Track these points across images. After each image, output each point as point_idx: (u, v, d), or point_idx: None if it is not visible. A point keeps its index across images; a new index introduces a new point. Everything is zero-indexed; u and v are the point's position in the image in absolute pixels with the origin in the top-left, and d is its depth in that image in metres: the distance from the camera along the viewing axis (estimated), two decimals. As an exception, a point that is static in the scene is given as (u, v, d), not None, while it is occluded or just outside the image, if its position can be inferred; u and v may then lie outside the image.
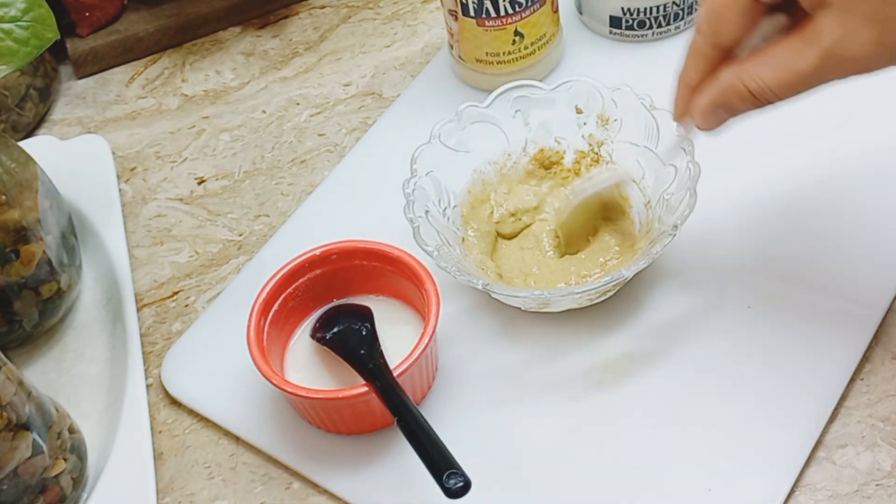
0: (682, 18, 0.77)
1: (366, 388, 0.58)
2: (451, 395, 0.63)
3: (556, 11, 0.76)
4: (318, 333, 0.64)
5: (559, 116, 0.68)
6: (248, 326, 0.61)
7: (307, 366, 0.63)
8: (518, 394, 0.62)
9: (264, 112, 0.82)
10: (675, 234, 0.59)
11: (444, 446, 0.54)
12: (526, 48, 0.75)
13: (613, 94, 0.67)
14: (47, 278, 0.66)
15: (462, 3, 0.73)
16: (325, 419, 0.61)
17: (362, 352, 0.60)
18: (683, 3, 0.76)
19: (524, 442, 0.60)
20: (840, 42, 0.48)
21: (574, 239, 0.66)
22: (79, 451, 0.61)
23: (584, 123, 0.68)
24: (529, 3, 0.73)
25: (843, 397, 0.60)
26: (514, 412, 0.62)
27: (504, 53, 0.75)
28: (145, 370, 0.67)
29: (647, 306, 0.65)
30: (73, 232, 0.71)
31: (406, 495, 0.59)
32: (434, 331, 0.59)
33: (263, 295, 0.62)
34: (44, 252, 0.65)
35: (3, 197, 0.63)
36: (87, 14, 0.86)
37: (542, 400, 0.62)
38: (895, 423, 0.59)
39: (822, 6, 0.48)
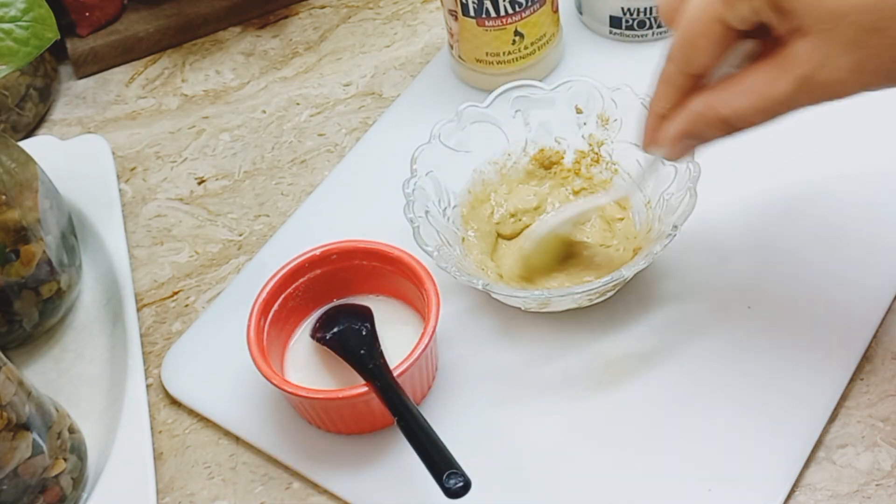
0: (682, 18, 0.77)
1: (366, 388, 0.58)
2: (451, 395, 0.63)
3: (556, 11, 0.76)
4: (318, 333, 0.64)
5: (559, 116, 0.68)
6: (248, 326, 0.61)
7: (307, 366, 0.63)
8: (518, 394, 0.62)
9: (264, 112, 0.82)
10: (675, 234, 0.59)
11: (444, 446, 0.54)
12: (526, 48, 0.75)
13: (613, 94, 0.67)
14: (47, 278, 0.66)
15: (462, 3, 0.73)
16: (325, 419, 0.61)
17: (362, 352, 0.60)
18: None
19: (524, 442, 0.60)
20: (817, 68, 0.48)
21: (537, 273, 0.66)
22: (79, 451, 0.61)
23: (584, 123, 0.68)
24: (529, 3, 0.73)
25: (843, 397, 0.60)
26: (514, 412, 0.62)
27: (504, 53, 0.75)
28: (145, 370, 0.67)
29: (647, 306, 0.65)
30: (73, 232, 0.71)
31: (406, 495, 0.59)
32: (434, 331, 0.59)
33: (263, 295, 0.62)
34: (44, 252, 0.65)
35: (3, 197, 0.63)
36: (87, 14, 0.86)
37: (542, 400, 0.62)
38: (895, 423, 0.59)
39: (799, 33, 0.48)
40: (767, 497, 0.56)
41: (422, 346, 0.59)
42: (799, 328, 0.62)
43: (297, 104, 0.82)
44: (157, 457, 0.63)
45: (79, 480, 0.61)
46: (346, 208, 0.73)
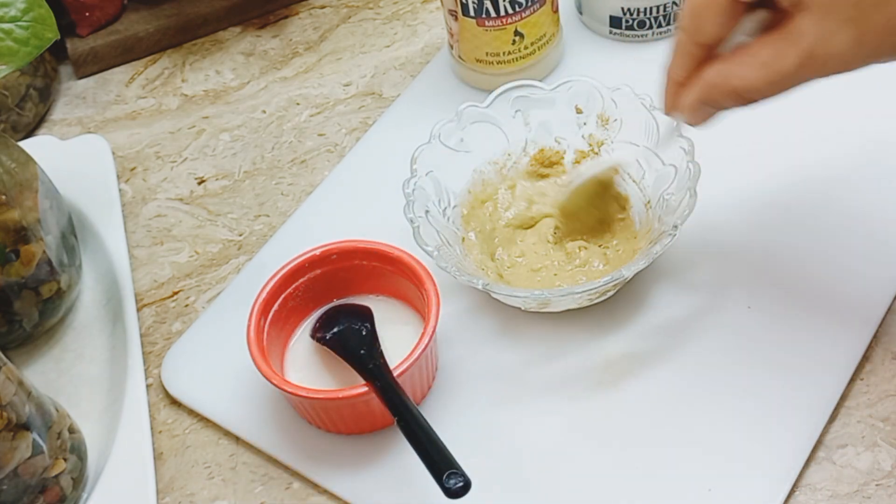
0: (682, 18, 0.77)
1: (366, 388, 0.58)
2: (451, 395, 0.63)
3: (556, 11, 0.76)
4: (318, 333, 0.64)
5: (559, 116, 0.68)
6: (248, 326, 0.61)
7: (307, 366, 0.63)
8: (518, 394, 0.62)
9: (264, 112, 0.82)
10: (675, 234, 0.59)
11: (444, 446, 0.54)
12: (526, 48, 0.75)
13: (613, 94, 0.67)
14: (47, 278, 0.66)
15: (462, 3, 0.73)
16: (325, 419, 0.61)
17: (362, 352, 0.60)
18: (683, 4, 0.76)
19: (524, 442, 0.60)
20: (819, 43, 0.49)
21: (574, 223, 0.66)
22: (79, 451, 0.61)
23: (584, 123, 0.68)
24: (529, 3, 0.73)
25: (843, 397, 0.60)
26: (514, 412, 0.62)
27: (504, 53, 0.75)
28: (145, 370, 0.67)
29: (647, 306, 0.65)
30: (73, 232, 0.71)
31: (406, 495, 0.59)
32: (434, 331, 0.59)
33: (263, 295, 0.62)
34: (44, 252, 0.65)
35: (3, 197, 0.63)
36: (87, 14, 0.86)
37: (542, 400, 0.62)
38: (895, 423, 0.59)
39: (801, 8, 0.49)
40: (767, 497, 0.56)
41: (422, 346, 0.59)
42: (799, 328, 0.62)
43: (297, 104, 0.82)
44: (157, 457, 0.63)
45: (79, 480, 0.61)
46: (346, 208, 0.73)
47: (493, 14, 0.73)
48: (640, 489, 0.58)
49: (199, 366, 0.66)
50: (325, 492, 0.61)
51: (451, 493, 0.52)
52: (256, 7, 0.89)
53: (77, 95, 0.86)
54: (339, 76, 0.83)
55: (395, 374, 0.58)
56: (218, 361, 0.66)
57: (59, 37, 0.64)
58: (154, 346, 0.69)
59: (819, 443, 0.59)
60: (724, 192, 0.67)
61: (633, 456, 0.59)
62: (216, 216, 0.76)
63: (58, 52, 0.87)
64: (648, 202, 0.65)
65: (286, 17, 0.89)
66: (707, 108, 0.55)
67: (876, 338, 0.62)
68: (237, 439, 0.64)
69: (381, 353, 0.60)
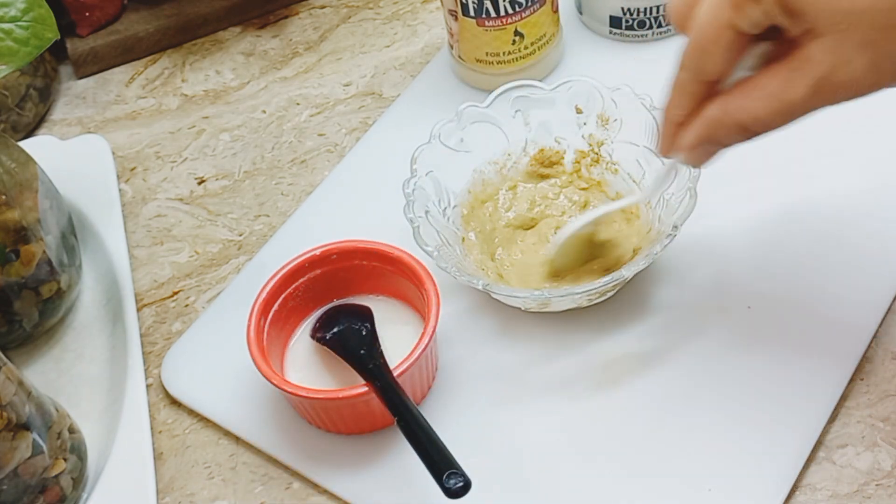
0: (682, 18, 0.77)
1: (366, 388, 0.58)
2: (451, 395, 0.63)
3: (556, 11, 0.76)
4: (318, 333, 0.64)
5: (559, 116, 0.68)
6: (248, 326, 0.61)
7: (307, 366, 0.63)
8: (518, 394, 0.62)
9: (264, 112, 0.82)
10: (675, 234, 0.59)
11: (444, 446, 0.54)
12: (526, 48, 0.75)
13: (613, 94, 0.67)
14: (47, 278, 0.66)
15: (462, 3, 0.73)
16: (325, 419, 0.61)
17: (362, 352, 0.61)
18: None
19: (524, 442, 0.60)
20: (833, 70, 0.47)
21: (562, 273, 0.66)
22: (79, 451, 0.61)
23: (584, 123, 0.68)
24: (529, 3, 0.73)
25: (843, 397, 0.60)
26: (514, 412, 0.62)
27: (504, 53, 0.75)
28: (145, 370, 0.67)
29: (647, 306, 0.65)
30: (73, 232, 0.71)
31: (406, 495, 0.59)
32: (434, 331, 0.59)
33: (263, 295, 0.62)
34: (44, 252, 0.65)
35: (3, 197, 0.63)
36: (87, 14, 0.86)
37: (542, 400, 0.62)
38: (895, 423, 0.59)
39: (812, 34, 0.47)
40: (767, 497, 0.56)
41: (422, 346, 0.59)
42: (799, 328, 0.62)
43: (297, 104, 0.82)
44: (157, 457, 0.63)
45: (79, 480, 0.61)
46: (346, 208, 0.73)
47: (493, 14, 0.73)
48: (640, 489, 0.58)
49: (199, 366, 0.66)
50: (325, 492, 0.61)
51: (451, 493, 0.52)
52: (256, 7, 0.89)
53: (77, 95, 0.86)
54: (339, 76, 0.83)
55: (395, 374, 0.58)
56: (218, 361, 0.66)
57: (59, 37, 0.64)
58: (154, 346, 0.69)
59: (819, 443, 0.59)
60: (724, 193, 0.67)
61: (632, 456, 0.59)
62: (216, 216, 0.76)
63: (58, 52, 0.87)
64: (648, 202, 0.65)
65: (286, 17, 0.89)
66: (709, 147, 0.54)
67: (876, 338, 0.62)
68: (237, 439, 0.64)
69: (381, 353, 0.60)
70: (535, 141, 0.69)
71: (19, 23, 0.63)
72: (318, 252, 0.64)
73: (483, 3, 0.72)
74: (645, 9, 0.76)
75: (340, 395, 0.58)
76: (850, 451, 0.58)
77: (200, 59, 0.87)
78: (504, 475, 0.59)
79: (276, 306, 0.63)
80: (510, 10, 0.73)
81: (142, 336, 0.69)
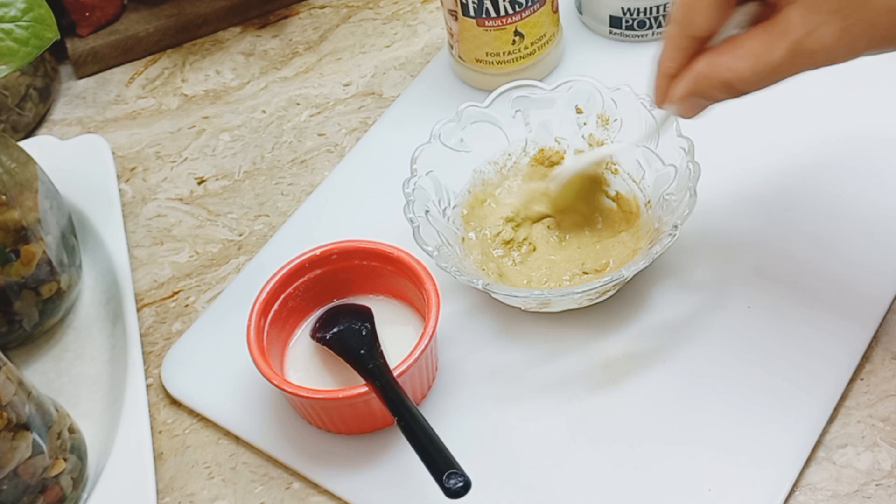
0: (682, 18, 0.77)
1: (366, 388, 0.58)
2: (451, 395, 0.63)
3: (556, 11, 0.76)
4: (318, 333, 0.64)
5: (559, 116, 0.68)
6: (248, 326, 0.61)
7: (307, 366, 0.63)
8: (518, 394, 0.62)
9: (264, 112, 0.82)
10: (675, 234, 0.59)
11: (444, 446, 0.54)
12: (526, 48, 0.75)
13: (613, 94, 0.67)
14: (47, 278, 0.66)
15: (462, 3, 0.73)
16: (325, 419, 0.61)
17: (362, 352, 0.60)
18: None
19: (524, 442, 0.60)
20: (807, 35, 0.49)
21: (570, 217, 0.67)
22: (79, 451, 0.61)
23: (584, 123, 0.68)
24: (529, 3, 0.73)
25: (843, 397, 0.60)
26: (514, 412, 0.62)
27: (504, 53, 0.75)
28: (145, 370, 0.67)
29: (647, 306, 0.65)
30: (73, 232, 0.71)
31: (406, 495, 0.59)
32: (434, 331, 0.59)
33: (263, 295, 0.62)
34: (44, 252, 0.65)
35: (3, 197, 0.63)
36: (87, 14, 0.86)
37: (542, 400, 0.62)
38: (895, 423, 0.59)
39: (788, 0, 0.49)
40: (767, 497, 0.56)
41: (422, 346, 0.59)
42: (799, 328, 0.62)
43: (297, 104, 0.82)
44: (157, 457, 0.63)
45: (79, 480, 0.61)
46: (346, 208, 0.73)
47: (493, 14, 0.73)
48: (640, 489, 0.58)
49: (199, 366, 0.66)
50: (325, 492, 0.61)
51: (451, 493, 0.52)
52: (256, 7, 0.89)
53: (77, 95, 0.86)
54: (339, 76, 0.83)
55: (395, 374, 0.58)
56: (218, 361, 0.66)
57: (59, 37, 0.64)
58: (154, 346, 0.69)
59: (819, 443, 0.59)
60: (724, 192, 0.67)
61: (632, 456, 0.59)
62: (216, 216, 0.76)
63: (58, 52, 0.87)
64: (648, 202, 0.65)
65: (286, 17, 0.89)
66: (698, 100, 0.55)
67: (876, 338, 0.62)
68: (237, 439, 0.64)
69: (381, 353, 0.60)
70: (535, 141, 0.69)
71: (19, 23, 0.63)
72: (318, 252, 0.64)
73: (483, 3, 0.72)
74: (645, 9, 0.76)
75: (340, 395, 0.58)
76: (850, 451, 0.58)
77: (200, 59, 0.87)
78: (504, 475, 0.59)
79: (276, 306, 0.63)
80: (510, 10, 0.73)
81: (142, 336, 0.69)
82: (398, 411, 0.56)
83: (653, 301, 0.65)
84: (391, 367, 0.58)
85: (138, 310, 0.70)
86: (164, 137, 0.82)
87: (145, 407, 0.64)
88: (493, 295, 0.63)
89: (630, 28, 0.78)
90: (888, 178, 0.68)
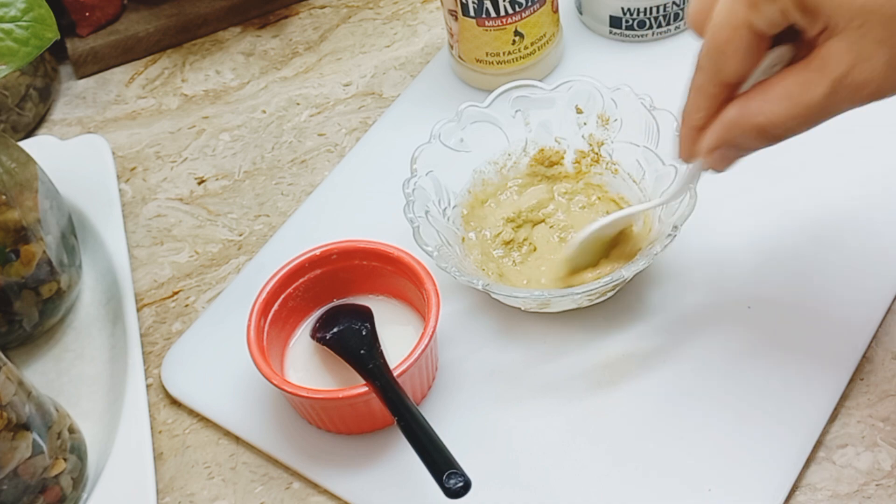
0: (682, 18, 0.77)
1: (366, 388, 0.58)
2: (451, 395, 0.63)
3: (556, 11, 0.76)
4: (318, 333, 0.64)
5: (559, 116, 0.68)
6: (248, 326, 0.61)
7: (307, 366, 0.63)
8: (518, 394, 0.62)
9: (264, 112, 0.82)
10: (675, 234, 0.59)
11: (444, 446, 0.54)
12: (526, 48, 0.75)
13: (613, 94, 0.67)
14: (47, 278, 0.66)
15: (462, 3, 0.73)
16: (325, 419, 0.61)
17: (362, 352, 0.60)
18: (683, 3, 0.76)
19: (524, 442, 0.60)
20: (851, 69, 0.46)
21: (579, 271, 0.65)
22: (79, 451, 0.61)
23: (585, 123, 0.68)
24: (529, 3, 0.73)
25: (843, 397, 0.60)
26: (514, 412, 0.62)
27: (504, 53, 0.75)
28: (145, 370, 0.67)
29: (647, 306, 0.65)
30: (73, 232, 0.71)
31: (406, 495, 0.59)
32: (434, 331, 0.59)
33: (263, 295, 0.62)
34: (44, 252, 0.65)
35: (3, 197, 0.63)
36: (87, 14, 0.86)
37: (543, 400, 0.62)
38: (895, 423, 0.59)
39: (829, 34, 0.46)
40: (767, 497, 0.56)
41: (422, 346, 0.59)
42: (799, 328, 0.62)
43: (297, 104, 0.82)
44: (157, 457, 0.63)
45: (79, 480, 0.61)
46: (346, 208, 0.73)
47: (493, 14, 0.73)
48: (639, 489, 0.58)
49: (199, 366, 0.66)
50: (325, 492, 0.61)
51: (451, 493, 0.52)
52: (256, 7, 0.89)
53: (77, 95, 0.86)
54: (339, 76, 0.83)
55: (395, 374, 0.58)
56: (218, 361, 0.66)
57: (59, 37, 0.64)
58: (154, 346, 0.69)
59: (819, 443, 0.59)
60: (724, 193, 0.67)
61: (632, 456, 0.59)
62: (216, 216, 0.76)
63: (58, 52, 0.87)
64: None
65: (286, 17, 0.89)
66: (729, 151, 0.51)
67: (876, 338, 0.62)
68: (237, 439, 0.64)
69: (381, 353, 0.60)
70: (535, 141, 0.69)
71: (19, 23, 0.63)
72: (318, 252, 0.64)
73: (483, 3, 0.72)
74: (645, 9, 0.76)
75: (340, 395, 0.58)
76: (850, 451, 0.58)
77: (200, 59, 0.87)
78: (504, 475, 0.59)
79: (276, 306, 0.63)
80: (510, 10, 0.73)
81: (142, 336, 0.69)
82: (398, 411, 0.56)
83: (653, 301, 0.65)
84: (391, 367, 0.58)
85: (138, 310, 0.70)
86: (164, 137, 0.82)
87: (145, 407, 0.64)
88: (493, 295, 0.63)
89: (630, 28, 0.78)
90: (889, 179, 0.68)
